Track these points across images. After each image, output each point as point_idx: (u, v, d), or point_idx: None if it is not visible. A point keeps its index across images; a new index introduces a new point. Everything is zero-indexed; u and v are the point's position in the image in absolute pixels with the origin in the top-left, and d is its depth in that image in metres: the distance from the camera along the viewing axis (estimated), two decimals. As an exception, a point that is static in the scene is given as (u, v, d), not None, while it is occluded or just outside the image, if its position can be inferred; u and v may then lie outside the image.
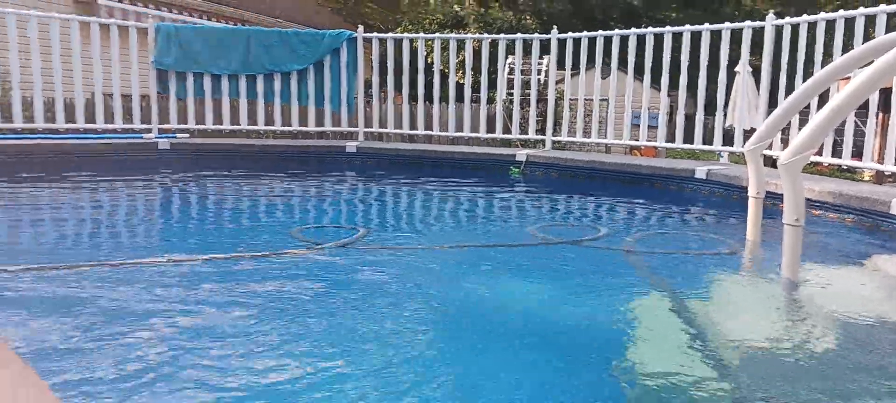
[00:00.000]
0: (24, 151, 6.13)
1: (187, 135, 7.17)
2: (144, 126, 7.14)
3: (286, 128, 7.58)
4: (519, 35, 7.33)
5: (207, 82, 7.24)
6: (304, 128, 7.60)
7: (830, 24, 5.29)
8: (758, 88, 6.24)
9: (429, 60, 7.81)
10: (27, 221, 4.20)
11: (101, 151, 6.45)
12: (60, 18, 6.67)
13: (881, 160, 5.21)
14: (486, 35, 8.03)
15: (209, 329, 2.15)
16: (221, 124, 7.40)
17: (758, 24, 5.86)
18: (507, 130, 7.82)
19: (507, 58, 8.04)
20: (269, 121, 7.56)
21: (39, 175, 5.68)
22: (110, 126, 6.99)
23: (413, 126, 7.69)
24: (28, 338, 2.00)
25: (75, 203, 4.95)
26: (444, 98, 7.60)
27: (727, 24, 6.05)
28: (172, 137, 6.94)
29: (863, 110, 5.77)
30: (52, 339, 2.00)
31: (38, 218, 4.31)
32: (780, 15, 5.87)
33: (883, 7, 4.81)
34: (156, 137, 6.91)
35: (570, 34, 7.03)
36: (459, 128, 7.61)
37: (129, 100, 7.10)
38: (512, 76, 8.57)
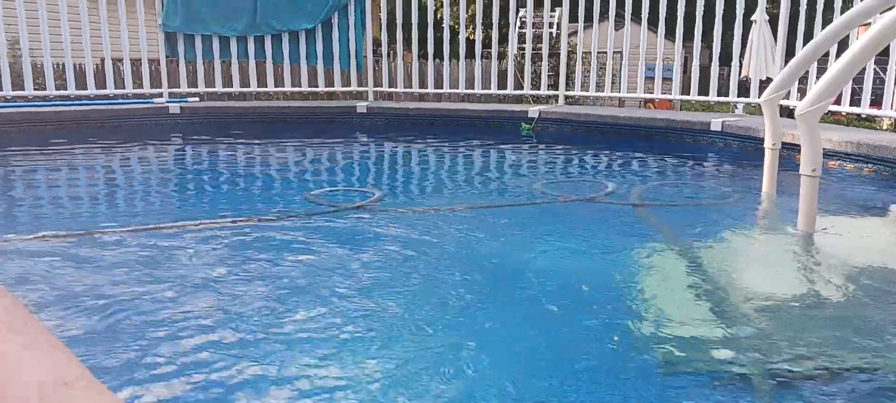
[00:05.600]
0: (36, 119, 6.15)
1: (198, 100, 7.15)
2: (155, 90, 7.13)
3: (296, 90, 7.54)
4: (529, -12, 7.18)
5: (216, 44, 7.19)
6: (314, 89, 7.56)
7: (851, -32, 5.13)
8: (775, 37, 6.09)
9: (438, 16, 7.68)
10: (43, 188, 4.25)
11: (112, 117, 6.45)
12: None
13: (901, 108, 5.10)
14: (495, -11, 7.87)
15: (231, 295, 2.18)
16: (231, 87, 7.38)
17: (775, -31, 5.70)
18: (518, 86, 7.72)
19: (518, 11, 7.90)
20: (279, 82, 7.52)
21: (53, 143, 5.71)
22: (120, 91, 6.99)
23: (423, 84, 7.62)
24: (49, 301, 2.03)
25: (91, 169, 4.99)
26: (454, 55, 7.50)
27: (744, -29, 5.89)
28: (183, 101, 6.92)
29: (883, 57, 5.63)
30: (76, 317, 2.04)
31: (55, 184, 4.35)
32: (798, -40, 5.70)
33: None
34: (166, 101, 6.90)
35: (581, -15, 6.88)
36: (470, 85, 7.53)
37: (138, 65, 7.07)
38: (523, 30, 8.43)
